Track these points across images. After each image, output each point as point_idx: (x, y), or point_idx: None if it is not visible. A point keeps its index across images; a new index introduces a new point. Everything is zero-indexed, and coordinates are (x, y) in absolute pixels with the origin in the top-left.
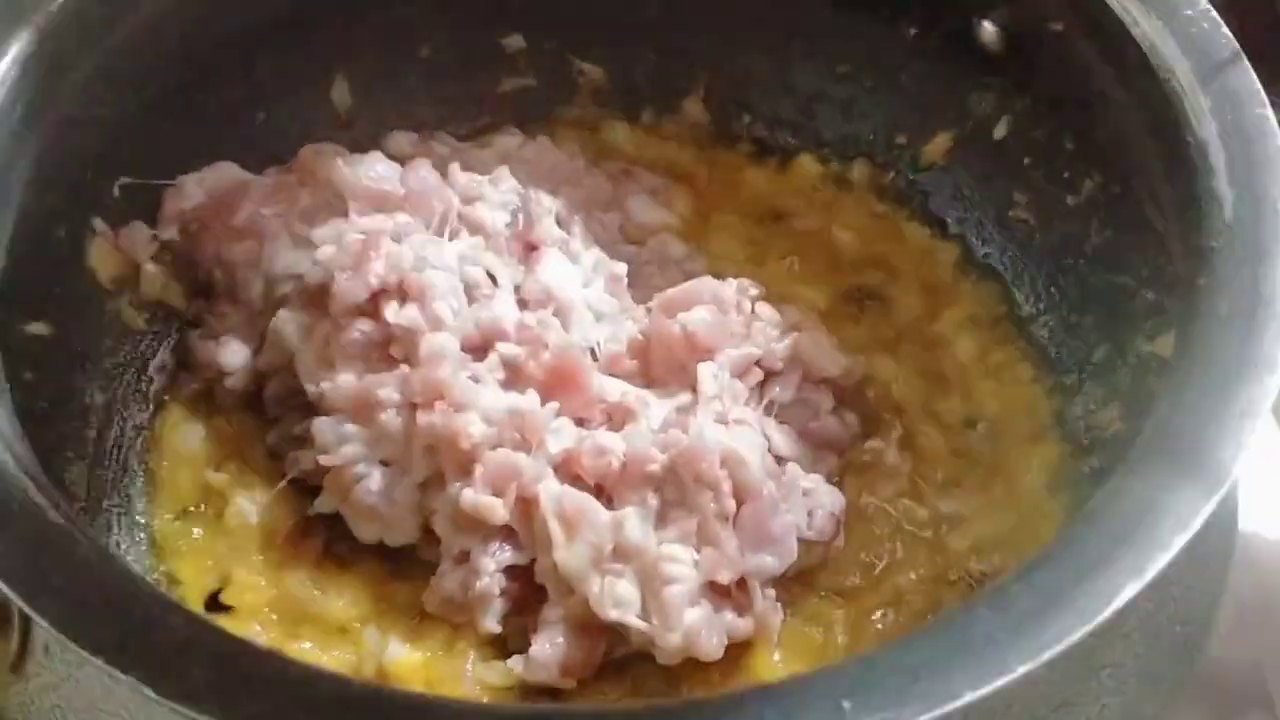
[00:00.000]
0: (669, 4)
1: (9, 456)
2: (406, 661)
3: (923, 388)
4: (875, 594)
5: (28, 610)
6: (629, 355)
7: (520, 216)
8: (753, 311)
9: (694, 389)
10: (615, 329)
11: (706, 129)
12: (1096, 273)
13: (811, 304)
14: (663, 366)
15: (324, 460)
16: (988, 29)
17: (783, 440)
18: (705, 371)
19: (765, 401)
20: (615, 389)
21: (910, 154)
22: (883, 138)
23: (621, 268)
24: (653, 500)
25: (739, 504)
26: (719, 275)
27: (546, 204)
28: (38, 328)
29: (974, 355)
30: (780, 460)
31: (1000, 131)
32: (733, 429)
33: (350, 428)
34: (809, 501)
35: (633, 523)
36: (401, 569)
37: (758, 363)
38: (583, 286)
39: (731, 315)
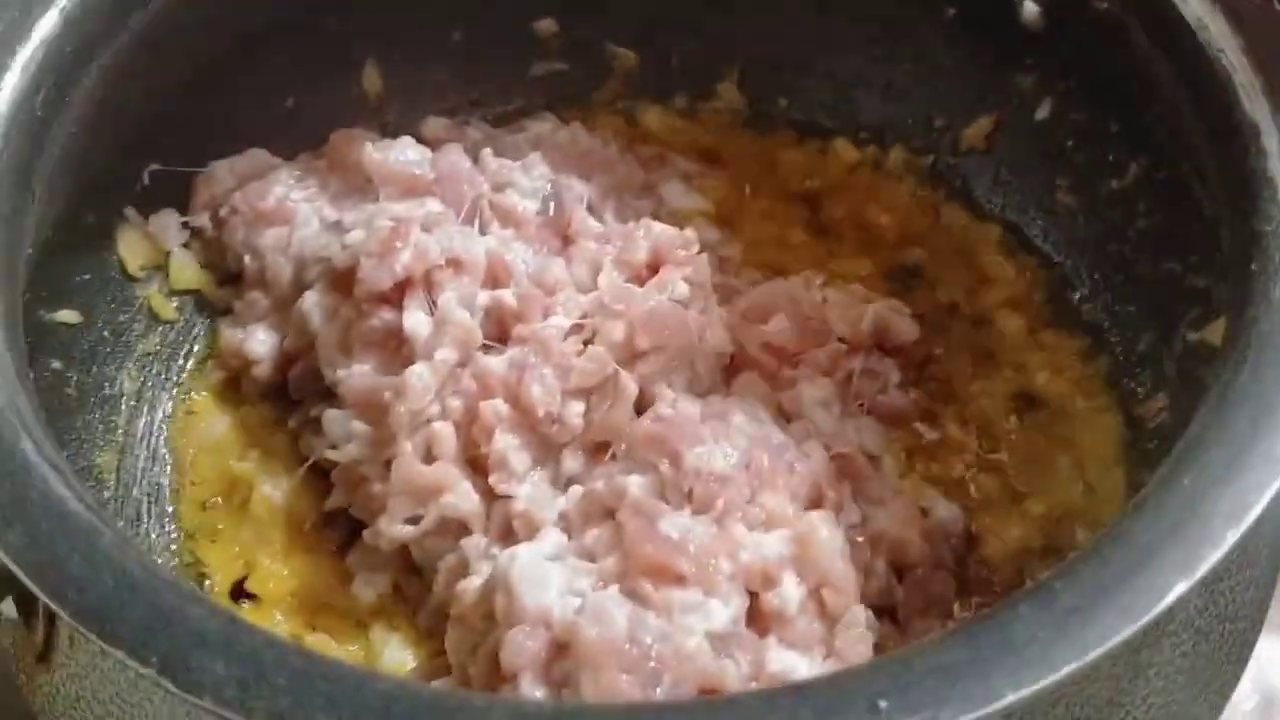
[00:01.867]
0: None
1: (30, 445)
2: (399, 668)
3: (973, 363)
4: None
5: (49, 602)
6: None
7: (552, 204)
8: (824, 300)
9: (781, 409)
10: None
11: (741, 113)
12: (1143, 258)
13: (857, 281)
14: (746, 379)
15: (330, 455)
16: (1029, 8)
17: (871, 437)
18: None
19: (852, 392)
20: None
21: (950, 137)
22: (921, 121)
23: None
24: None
25: None
26: (755, 259)
27: (578, 190)
28: (67, 315)
29: (1022, 332)
30: (872, 459)
31: (1042, 114)
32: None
33: (358, 425)
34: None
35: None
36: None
37: (841, 339)
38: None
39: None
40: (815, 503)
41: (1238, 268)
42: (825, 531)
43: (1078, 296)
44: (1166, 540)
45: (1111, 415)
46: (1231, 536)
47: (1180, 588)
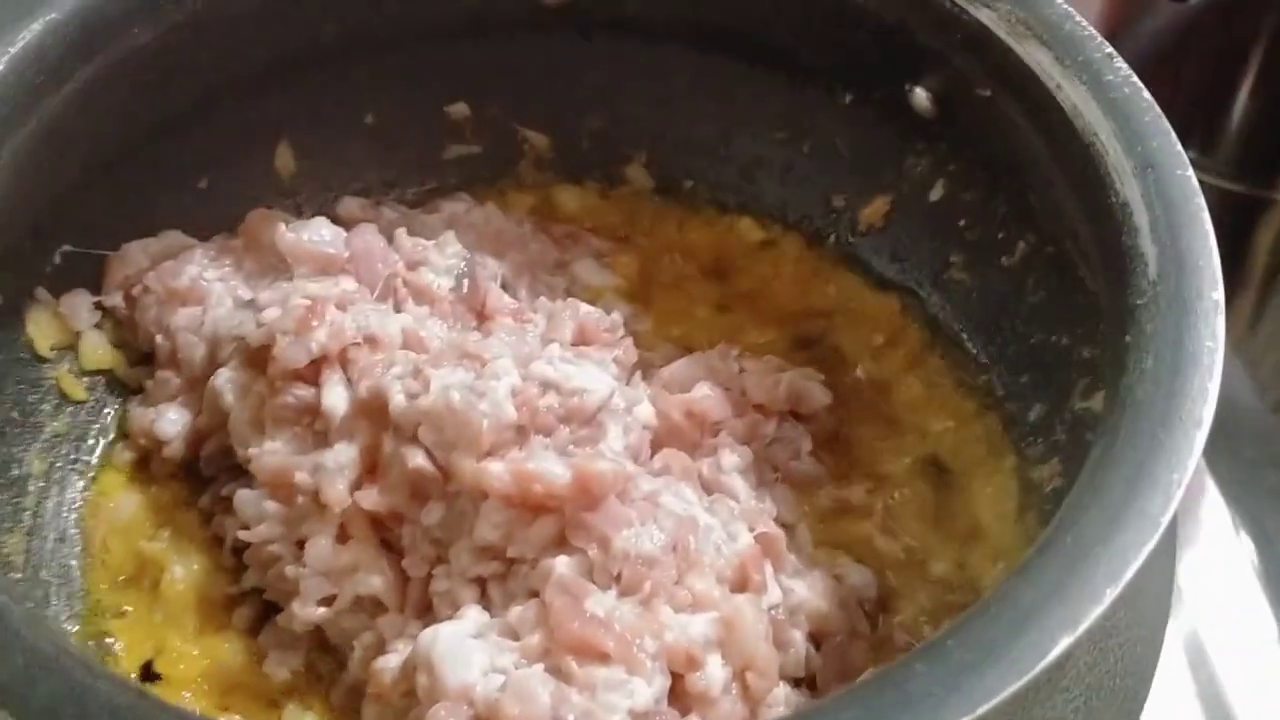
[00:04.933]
0: (610, 73)
1: None
2: None
3: (877, 429)
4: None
5: None
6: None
7: (465, 281)
8: (740, 371)
9: (700, 478)
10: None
11: (650, 193)
12: (1034, 331)
13: (765, 352)
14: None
15: (242, 535)
16: (920, 95)
17: (785, 506)
18: None
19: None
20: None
21: (849, 216)
22: (821, 201)
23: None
24: None
25: None
26: (665, 334)
27: (492, 268)
28: None
29: (923, 398)
30: (785, 527)
31: (935, 194)
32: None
33: (270, 505)
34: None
35: None
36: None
37: (757, 407)
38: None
39: (727, 383)
40: (741, 585)
41: (1114, 339)
42: (751, 615)
43: (974, 366)
44: (1051, 598)
45: (1009, 479)
46: (1111, 593)
47: (1065, 642)
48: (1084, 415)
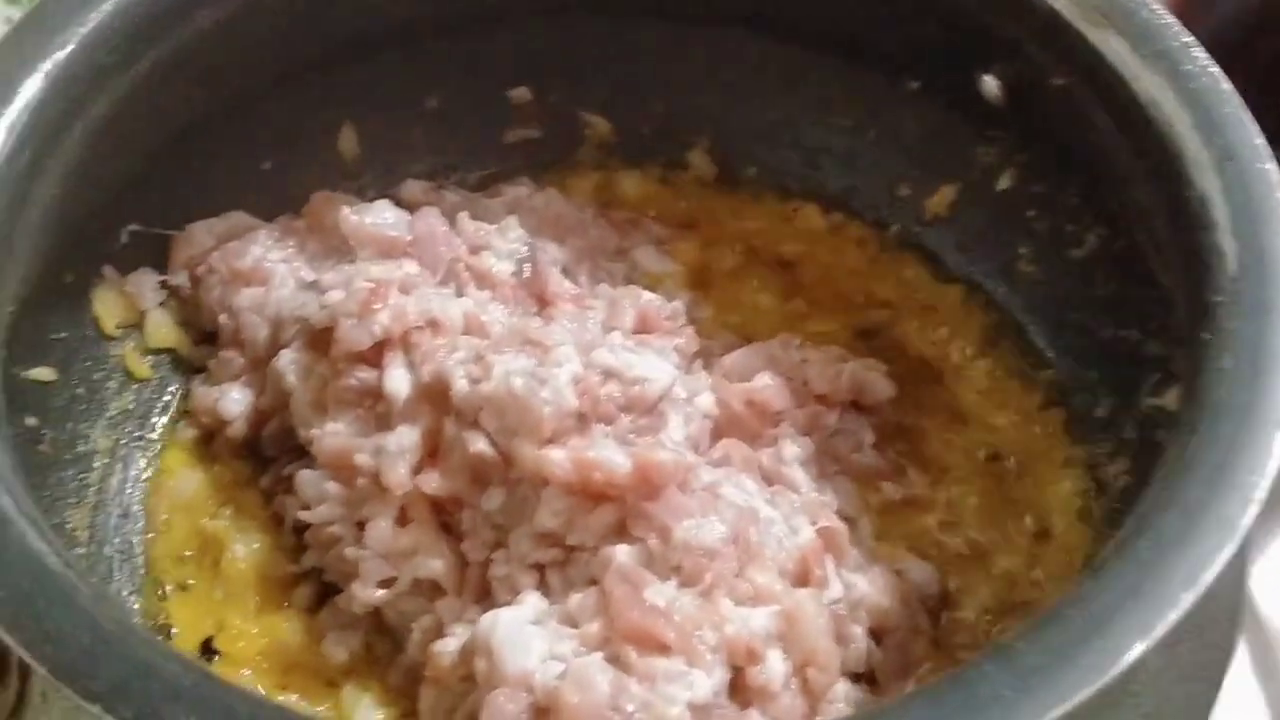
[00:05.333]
0: (673, 58)
1: (10, 500)
2: None
3: (940, 421)
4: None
5: (26, 657)
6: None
7: (527, 266)
8: (803, 360)
9: (761, 470)
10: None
11: (712, 180)
12: (1103, 325)
13: (826, 342)
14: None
15: (303, 515)
16: (989, 83)
17: (846, 499)
18: None
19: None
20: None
21: (914, 206)
22: (886, 190)
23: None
24: None
25: None
26: (725, 322)
27: (553, 253)
28: (42, 373)
29: (988, 391)
30: (847, 520)
31: (1004, 184)
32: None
33: (331, 485)
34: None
35: None
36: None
37: (819, 397)
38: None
39: (789, 373)
40: (802, 579)
41: (1190, 337)
42: (812, 609)
43: (1040, 359)
44: (1126, 602)
45: (1075, 475)
46: (1188, 599)
47: (1139, 648)
48: (1154, 413)
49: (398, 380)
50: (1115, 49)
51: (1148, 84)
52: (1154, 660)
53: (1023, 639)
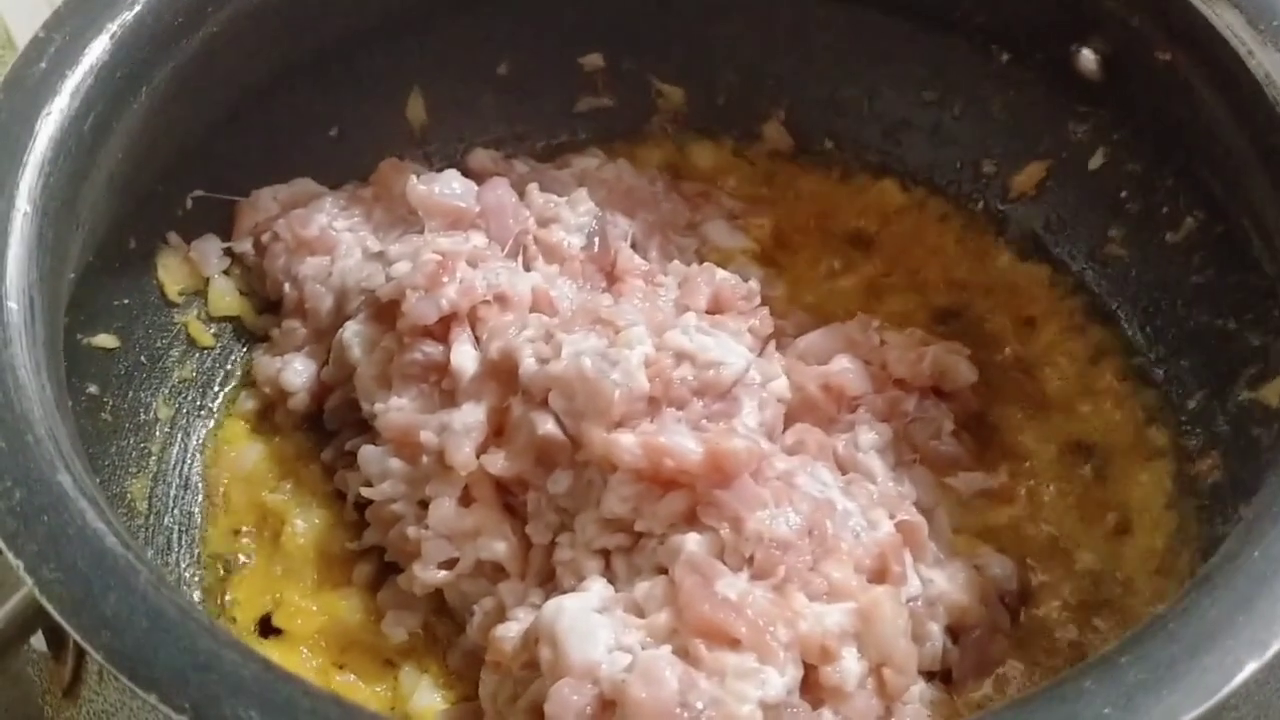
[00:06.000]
0: (751, 25)
1: (68, 478)
2: (428, 710)
3: (1022, 409)
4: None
5: (83, 643)
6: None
7: (596, 240)
8: (882, 343)
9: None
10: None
11: (787, 152)
12: (1198, 313)
13: (904, 323)
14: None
15: (365, 492)
16: (1087, 56)
17: (924, 490)
18: None
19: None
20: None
21: (999, 183)
22: (970, 166)
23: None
24: None
25: None
26: (798, 301)
27: (623, 227)
28: (105, 339)
29: (1072, 378)
30: (923, 512)
31: (1096, 162)
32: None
33: (394, 462)
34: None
35: None
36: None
37: (898, 382)
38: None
39: (867, 356)
40: (879, 575)
41: None
42: (890, 609)
43: (1130, 347)
44: (1237, 616)
45: (1162, 469)
46: None
47: (1251, 667)
48: (1250, 407)
49: (464, 356)
50: (1228, 22)
51: (1263, 61)
52: (1258, 673)
53: (1126, 653)
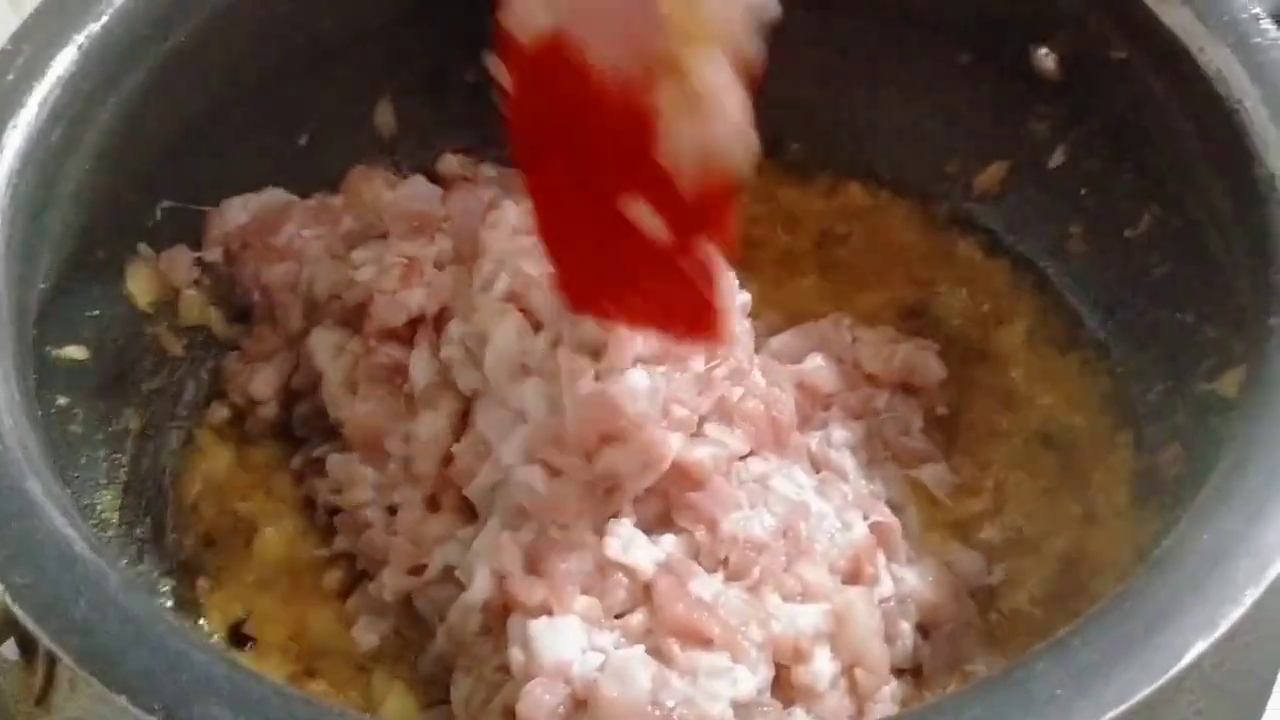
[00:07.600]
0: None
1: (38, 484)
2: (400, 716)
3: (987, 404)
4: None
5: (53, 647)
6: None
7: None
8: (854, 341)
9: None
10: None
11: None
12: (1157, 307)
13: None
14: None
15: (333, 499)
16: (1044, 56)
17: (895, 486)
18: None
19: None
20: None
21: (963, 182)
22: (934, 166)
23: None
24: None
25: None
26: (768, 300)
27: None
28: (74, 351)
29: (1036, 372)
30: (894, 509)
31: (1056, 161)
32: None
33: (362, 468)
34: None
35: None
36: None
37: (869, 378)
38: None
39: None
40: (854, 576)
41: (1255, 320)
42: (864, 609)
43: (1092, 341)
44: (1186, 598)
45: (1126, 461)
46: (1252, 594)
47: (1200, 646)
48: (1208, 397)
49: (419, 366)
50: (1180, 20)
51: (1214, 57)
52: (1209, 654)
53: (1078, 635)
